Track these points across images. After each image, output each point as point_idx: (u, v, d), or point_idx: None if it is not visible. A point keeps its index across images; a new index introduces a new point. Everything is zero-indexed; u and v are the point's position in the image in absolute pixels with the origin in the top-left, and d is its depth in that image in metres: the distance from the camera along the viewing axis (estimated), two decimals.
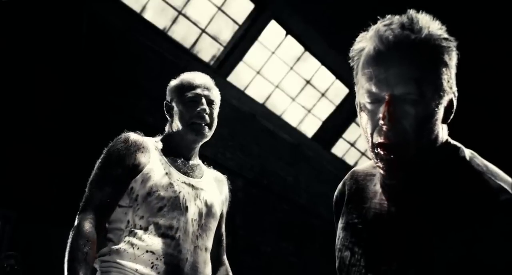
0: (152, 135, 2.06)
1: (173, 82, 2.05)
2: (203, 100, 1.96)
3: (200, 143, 2.01)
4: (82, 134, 5.96)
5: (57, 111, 5.93)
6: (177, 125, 1.96)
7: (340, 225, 1.21)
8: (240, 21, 8.20)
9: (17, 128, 5.57)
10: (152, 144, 1.94)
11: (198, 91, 1.97)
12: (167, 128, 2.03)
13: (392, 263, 1.02)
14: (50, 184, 5.61)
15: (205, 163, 2.12)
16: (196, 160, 2.04)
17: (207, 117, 1.95)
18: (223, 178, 2.14)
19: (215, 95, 2.03)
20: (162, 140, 2.00)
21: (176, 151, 1.97)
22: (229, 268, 2.12)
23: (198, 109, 1.94)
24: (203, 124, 1.94)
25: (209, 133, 1.98)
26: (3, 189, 5.24)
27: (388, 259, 1.03)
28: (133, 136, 1.91)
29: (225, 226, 2.14)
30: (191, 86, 1.98)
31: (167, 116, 2.03)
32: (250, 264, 7.96)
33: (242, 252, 7.83)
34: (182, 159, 1.97)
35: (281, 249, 8.78)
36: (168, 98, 2.03)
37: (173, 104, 1.99)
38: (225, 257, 2.12)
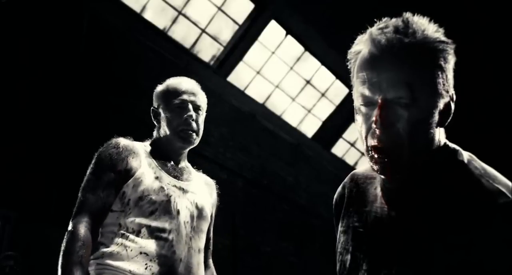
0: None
1: (159, 88, 2.05)
2: (190, 106, 1.97)
3: (188, 149, 2.02)
4: (82, 134, 5.95)
5: (57, 111, 5.93)
6: (164, 131, 1.98)
7: (340, 228, 1.21)
8: (240, 21, 8.19)
9: (17, 128, 5.56)
10: (142, 149, 1.95)
11: (185, 97, 1.98)
12: (155, 134, 2.04)
13: (392, 267, 1.02)
14: (50, 184, 5.61)
15: (195, 167, 2.14)
16: (185, 164, 2.06)
17: (193, 124, 1.96)
18: (212, 182, 2.16)
19: (202, 100, 2.04)
20: (151, 145, 2.01)
21: (165, 156, 1.98)
22: (214, 271, 2.13)
23: (185, 116, 1.95)
24: (190, 132, 1.95)
25: (196, 140, 1.99)
26: (3, 189, 5.24)
27: (388, 263, 1.03)
28: (124, 141, 1.92)
29: (213, 229, 2.13)
30: (177, 92, 1.98)
31: (155, 122, 2.04)
32: (250, 264, 7.96)
33: (242, 252, 7.83)
34: (171, 163, 1.98)
35: (281, 249, 8.77)
36: (154, 104, 2.04)
37: (160, 110, 2.00)
38: (211, 260, 2.13)
